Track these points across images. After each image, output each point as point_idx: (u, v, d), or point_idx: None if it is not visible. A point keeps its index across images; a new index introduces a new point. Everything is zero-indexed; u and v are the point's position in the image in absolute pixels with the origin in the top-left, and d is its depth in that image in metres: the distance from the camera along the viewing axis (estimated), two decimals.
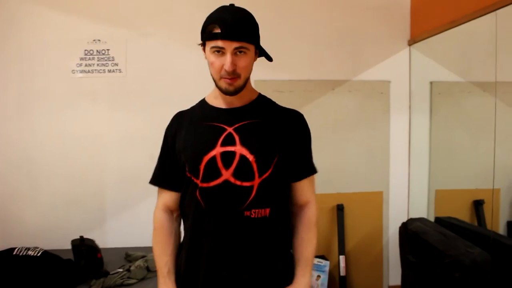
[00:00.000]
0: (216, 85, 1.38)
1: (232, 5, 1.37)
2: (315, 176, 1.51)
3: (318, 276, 2.84)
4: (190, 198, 1.41)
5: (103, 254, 2.41)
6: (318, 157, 1.53)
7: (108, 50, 2.86)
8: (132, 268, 2.32)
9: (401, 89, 3.05)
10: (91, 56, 2.86)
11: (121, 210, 2.87)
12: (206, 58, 1.38)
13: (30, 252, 2.21)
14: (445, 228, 2.52)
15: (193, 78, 2.82)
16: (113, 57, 2.87)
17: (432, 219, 2.88)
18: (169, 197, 1.50)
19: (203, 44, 1.38)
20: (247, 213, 1.35)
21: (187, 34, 2.80)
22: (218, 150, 1.35)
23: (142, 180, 2.83)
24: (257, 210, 1.35)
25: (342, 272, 2.93)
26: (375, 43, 3.02)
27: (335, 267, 2.97)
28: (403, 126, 3.07)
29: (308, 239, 1.46)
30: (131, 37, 2.87)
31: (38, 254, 2.21)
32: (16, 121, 2.81)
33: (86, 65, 2.86)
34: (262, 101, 1.48)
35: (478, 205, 2.84)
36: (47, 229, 2.79)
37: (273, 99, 1.52)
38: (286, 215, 1.47)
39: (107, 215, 2.88)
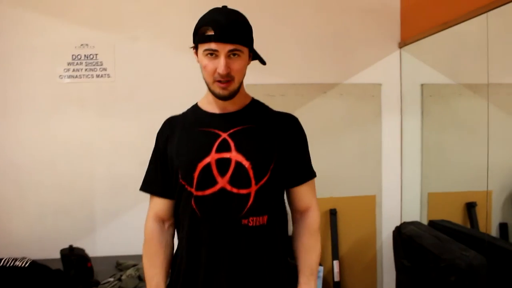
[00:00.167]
0: (209, 90, 1.35)
1: (225, 7, 1.34)
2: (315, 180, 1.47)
3: None
4: (184, 207, 1.37)
5: (93, 263, 2.36)
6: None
7: (96, 54, 2.82)
8: (123, 277, 2.28)
9: (392, 92, 3.04)
10: (78, 61, 2.81)
11: (111, 218, 2.82)
12: (198, 61, 1.35)
13: (17, 263, 2.15)
14: (439, 232, 2.51)
15: (183, 82, 2.80)
16: (101, 62, 2.82)
17: (425, 222, 2.87)
18: (161, 206, 1.45)
19: (195, 47, 1.34)
20: (244, 221, 1.32)
21: (176, 38, 2.78)
22: (213, 156, 1.32)
23: (132, 187, 2.80)
24: (255, 218, 1.32)
25: (336, 277, 2.90)
26: (365, 46, 3.01)
27: (329, 273, 2.95)
28: (394, 129, 3.06)
29: (311, 246, 1.43)
30: (119, 42, 2.82)
31: (26, 265, 2.15)
32: (2, 127, 2.75)
33: (73, 70, 2.81)
34: (256, 105, 1.46)
35: (470, 207, 2.85)
36: (35, 239, 2.73)
37: (265, 104, 1.49)
38: (284, 221, 1.44)
39: (96, 223, 2.82)
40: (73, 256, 2.30)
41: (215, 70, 1.28)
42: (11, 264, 2.14)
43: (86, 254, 2.37)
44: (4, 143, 2.76)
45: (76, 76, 2.81)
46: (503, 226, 2.73)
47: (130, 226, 2.76)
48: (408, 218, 2.92)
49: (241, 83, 1.36)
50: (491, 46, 2.30)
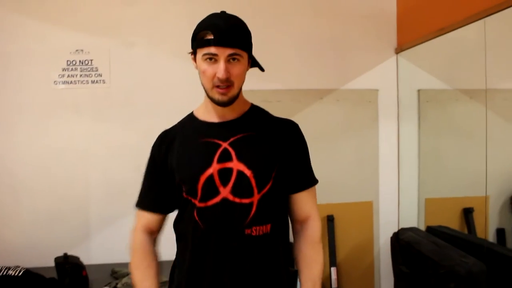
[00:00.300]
0: (208, 96, 1.32)
1: (223, 12, 1.32)
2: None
3: None
4: (187, 219, 1.34)
5: (88, 271, 2.33)
6: None
7: (91, 60, 2.80)
8: (118, 285, 2.26)
9: (389, 97, 3.04)
10: (73, 67, 2.79)
11: (106, 225, 2.79)
12: (196, 67, 1.32)
13: (10, 272, 2.12)
14: (437, 238, 2.50)
15: (179, 88, 2.79)
16: (96, 68, 2.80)
17: (422, 228, 2.86)
18: (151, 219, 1.43)
19: (194, 53, 1.32)
20: (248, 231, 1.29)
21: (172, 44, 2.79)
22: (215, 167, 1.30)
23: (127, 194, 2.77)
24: (258, 227, 1.30)
25: (334, 284, 2.89)
26: (362, 52, 3.01)
27: (326, 280, 2.92)
28: (391, 135, 3.06)
29: (313, 259, 1.39)
30: (115, 47, 2.81)
31: (19, 274, 2.12)
32: None
33: (68, 76, 2.78)
34: (255, 112, 1.43)
35: (467, 213, 2.84)
36: (28, 247, 2.69)
37: (264, 109, 1.47)
38: (286, 228, 1.42)
39: (91, 230, 2.79)
40: (68, 264, 2.27)
41: (214, 75, 1.25)
42: (4, 273, 2.10)
43: (81, 262, 2.34)
44: None
45: (71, 82, 2.79)
46: (500, 232, 2.72)
47: (126, 233, 2.70)
48: (405, 224, 2.90)
49: (240, 89, 1.34)
50: (488, 52, 2.30)
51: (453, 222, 2.86)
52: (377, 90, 3.03)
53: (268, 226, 1.32)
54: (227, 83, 1.26)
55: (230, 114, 1.37)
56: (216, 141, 1.33)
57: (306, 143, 1.45)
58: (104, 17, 2.80)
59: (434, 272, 2.18)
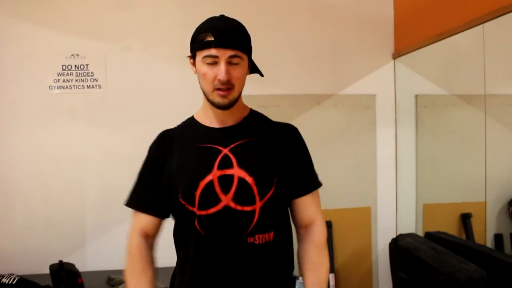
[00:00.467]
0: (208, 100, 1.30)
1: (222, 16, 1.31)
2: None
3: None
4: (187, 227, 1.31)
5: (84, 279, 2.30)
6: None
7: (87, 65, 2.78)
8: None
9: (386, 102, 3.04)
10: (69, 72, 2.76)
11: (102, 232, 2.76)
12: (195, 72, 1.31)
13: (4, 280, 2.09)
14: (436, 243, 2.49)
15: (176, 93, 2.78)
16: (92, 73, 2.78)
17: (420, 233, 2.86)
18: (148, 222, 1.38)
19: (193, 56, 1.30)
20: (250, 239, 1.27)
21: (168, 48, 2.78)
22: (215, 174, 1.27)
23: (123, 200, 2.77)
24: (261, 235, 1.28)
25: None
26: (360, 57, 3.01)
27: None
28: (389, 140, 3.05)
29: (319, 263, 1.36)
30: (110, 52, 2.79)
31: (13, 282, 2.09)
32: None
33: (64, 81, 2.76)
34: (255, 117, 1.41)
35: (465, 218, 2.84)
36: (23, 253, 2.66)
37: (263, 114, 1.45)
38: (289, 235, 1.39)
39: (87, 237, 2.76)
40: (63, 272, 2.24)
41: (215, 78, 1.24)
42: None
43: (77, 269, 2.31)
44: None
45: (66, 87, 2.77)
46: (498, 237, 2.72)
47: (122, 239, 2.68)
48: (403, 230, 2.90)
49: (240, 93, 1.32)
50: (487, 57, 2.30)
51: (451, 227, 2.86)
52: (374, 96, 3.03)
53: (271, 234, 1.30)
54: (227, 86, 1.24)
55: (229, 119, 1.35)
56: (216, 146, 1.30)
57: (306, 147, 1.43)
58: (100, 22, 2.78)
59: (433, 279, 2.17)
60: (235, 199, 1.26)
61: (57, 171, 2.73)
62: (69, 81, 2.76)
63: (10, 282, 2.09)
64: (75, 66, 2.77)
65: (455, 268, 2.08)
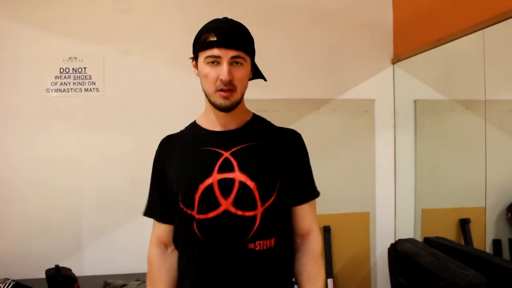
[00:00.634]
0: (210, 101, 1.28)
1: (226, 18, 1.30)
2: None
3: None
4: (186, 232, 1.29)
5: (81, 284, 2.27)
6: None
7: (85, 68, 2.76)
8: None
9: (385, 107, 3.04)
10: (66, 75, 2.75)
11: (99, 236, 2.73)
12: (197, 74, 1.30)
13: None
14: (435, 249, 2.48)
15: (175, 97, 2.77)
16: (90, 76, 2.77)
17: (419, 238, 2.85)
18: (162, 230, 1.39)
19: (195, 58, 1.29)
20: (251, 245, 1.24)
21: (167, 52, 2.77)
22: (215, 177, 1.25)
23: (120, 204, 2.76)
24: (262, 242, 1.25)
25: None
26: (359, 62, 3.01)
27: None
28: (388, 145, 3.04)
29: (315, 274, 1.35)
30: (109, 55, 2.77)
31: (9, 287, 2.07)
32: None
33: (61, 84, 2.74)
34: (258, 121, 1.40)
35: (464, 223, 2.83)
36: (18, 258, 2.63)
37: (266, 119, 1.44)
38: (291, 242, 1.37)
39: (84, 241, 2.73)
40: (59, 277, 2.21)
41: (217, 78, 1.22)
42: None
43: (73, 274, 2.28)
44: None
45: (64, 90, 2.75)
46: (496, 243, 2.71)
47: (119, 244, 2.72)
48: (402, 235, 2.89)
49: (243, 95, 1.31)
50: (487, 63, 2.31)
51: (450, 233, 2.86)
52: (373, 100, 3.02)
53: (272, 241, 1.27)
54: (230, 87, 1.23)
55: (232, 123, 1.33)
56: (217, 150, 1.29)
57: (308, 154, 1.41)
58: (98, 25, 2.77)
59: (433, 285, 2.15)
60: (236, 203, 1.24)
61: (54, 174, 2.71)
62: (66, 84, 2.75)
63: (5, 287, 2.07)
64: (73, 69, 2.75)
65: (455, 274, 2.07)
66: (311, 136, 2.87)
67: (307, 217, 1.38)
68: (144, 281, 2.29)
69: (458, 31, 2.28)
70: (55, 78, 2.74)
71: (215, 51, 1.21)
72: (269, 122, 1.43)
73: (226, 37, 1.21)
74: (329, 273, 2.87)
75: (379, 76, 3.02)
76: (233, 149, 1.28)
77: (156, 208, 1.39)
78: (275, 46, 2.90)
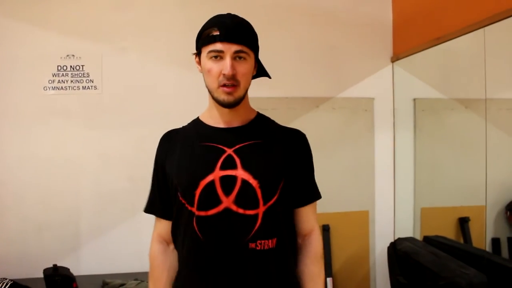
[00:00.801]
0: (213, 97, 1.27)
1: (229, 13, 1.29)
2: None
3: None
4: (185, 228, 1.27)
5: (79, 283, 2.26)
6: None
7: (82, 66, 2.74)
8: None
9: (385, 106, 3.03)
10: (64, 72, 2.73)
11: (97, 235, 2.72)
12: (200, 70, 1.28)
13: None
14: (435, 248, 2.47)
15: (172, 95, 2.76)
16: (88, 73, 2.75)
17: (418, 237, 2.85)
18: (163, 227, 1.37)
19: (198, 53, 1.28)
20: (252, 245, 1.22)
21: (165, 49, 2.76)
22: (217, 174, 1.23)
23: (119, 203, 2.75)
24: (263, 241, 1.23)
25: None
26: (358, 60, 3.00)
27: None
28: (387, 144, 3.04)
29: (316, 275, 1.34)
30: (107, 53, 2.76)
31: (6, 286, 2.06)
32: None
33: (59, 82, 2.73)
34: (262, 120, 1.38)
35: (463, 222, 2.83)
36: (16, 257, 2.62)
37: (270, 118, 1.43)
38: (294, 243, 1.36)
39: (82, 241, 2.72)
40: (57, 276, 2.20)
41: (220, 73, 1.21)
42: None
43: (71, 273, 2.27)
44: None
45: (62, 88, 2.73)
46: (495, 241, 2.71)
47: (117, 243, 2.71)
48: (401, 234, 2.89)
49: (246, 91, 1.29)
50: (482, 61, 2.30)
51: (449, 231, 2.86)
52: (373, 99, 3.02)
53: (274, 241, 1.25)
54: (233, 82, 1.21)
55: (236, 120, 1.32)
56: (220, 146, 1.27)
57: (312, 156, 1.40)
58: (96, 22, 2.75)
59: (433, 284, 2.15)
60: (237, 201, 1.22)
61: (52, 173, 2.69)
62: (64, 82, 2.73)
63: (3, 286, 2.06)
64: (71, 66, 2.74)
65: (455, 273, 2.06)
66: (310, 134, 2.85)
67: (309, 218, 1.37)
68: (143, 281, 2.29)
69: (458, 29, 2.28)
70: (53, 76, 2.72)
71: (218, 46, 1.20)
72: (273, 121, 1.41)
73: (229, 31, 1.20)
74: (328, 272, 2.87)
75: (378, 75, 3.02)
76: (237, 146, 1.26)
77: (157, 204, 1.37)
78: (275, 45, 2.88)
